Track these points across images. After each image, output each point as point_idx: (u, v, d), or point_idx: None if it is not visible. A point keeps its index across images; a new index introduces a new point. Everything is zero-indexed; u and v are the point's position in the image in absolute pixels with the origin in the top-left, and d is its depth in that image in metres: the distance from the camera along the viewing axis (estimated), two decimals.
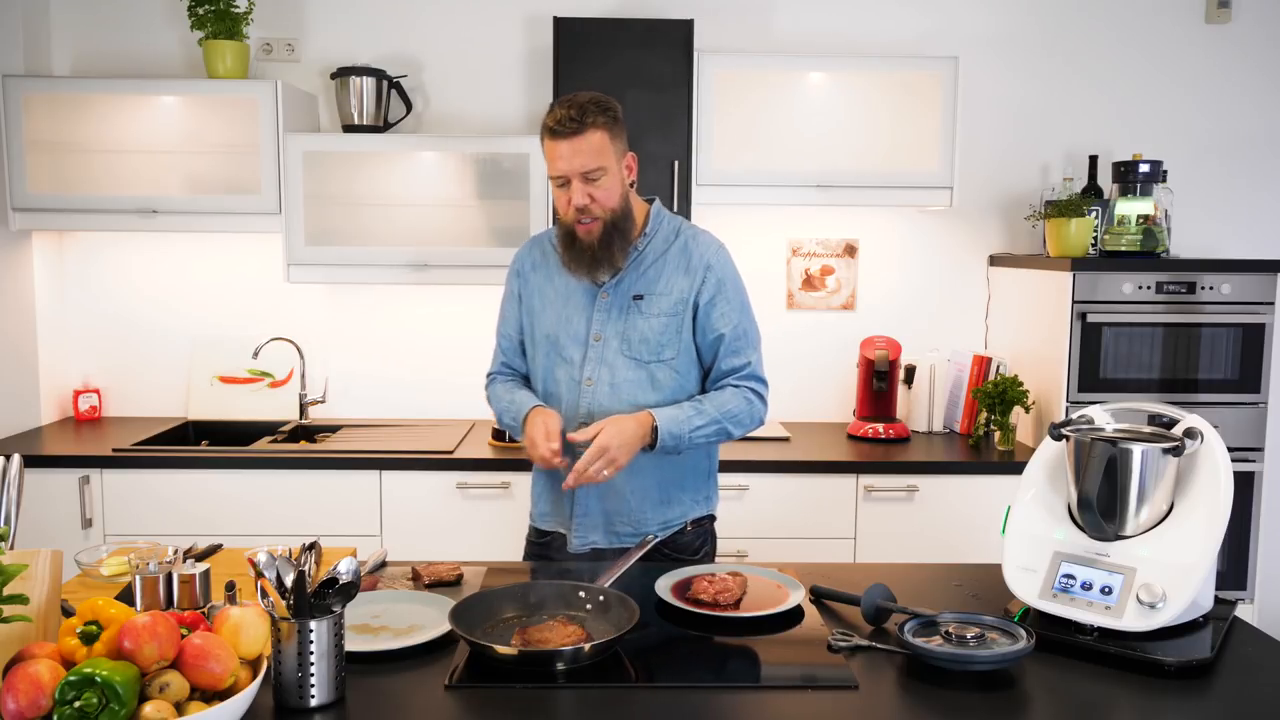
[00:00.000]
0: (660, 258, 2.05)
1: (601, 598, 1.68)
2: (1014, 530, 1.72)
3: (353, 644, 1.51)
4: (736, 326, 2.04)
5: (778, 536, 2.99)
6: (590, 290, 2.04)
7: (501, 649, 1.48)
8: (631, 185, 2.03)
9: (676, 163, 3.13)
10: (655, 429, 1.92)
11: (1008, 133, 3.53)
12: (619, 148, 1.98)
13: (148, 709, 1.20)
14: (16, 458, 1.75)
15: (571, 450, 1.95)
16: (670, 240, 2.07)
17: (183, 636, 1.28)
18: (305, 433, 3.37)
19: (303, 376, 3.49)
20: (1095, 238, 3.18)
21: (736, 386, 2.04)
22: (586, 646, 1.49)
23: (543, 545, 2.15)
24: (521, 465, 2.90)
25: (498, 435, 3.14)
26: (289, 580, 1.38)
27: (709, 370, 2.07)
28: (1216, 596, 1.68)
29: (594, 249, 1.97)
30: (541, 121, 1.97)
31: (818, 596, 1.79)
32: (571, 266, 2.03)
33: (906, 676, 1.48)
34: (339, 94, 3.30)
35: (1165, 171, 3.25)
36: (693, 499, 2.11)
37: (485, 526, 2.97)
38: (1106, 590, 1.58)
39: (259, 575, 1.45)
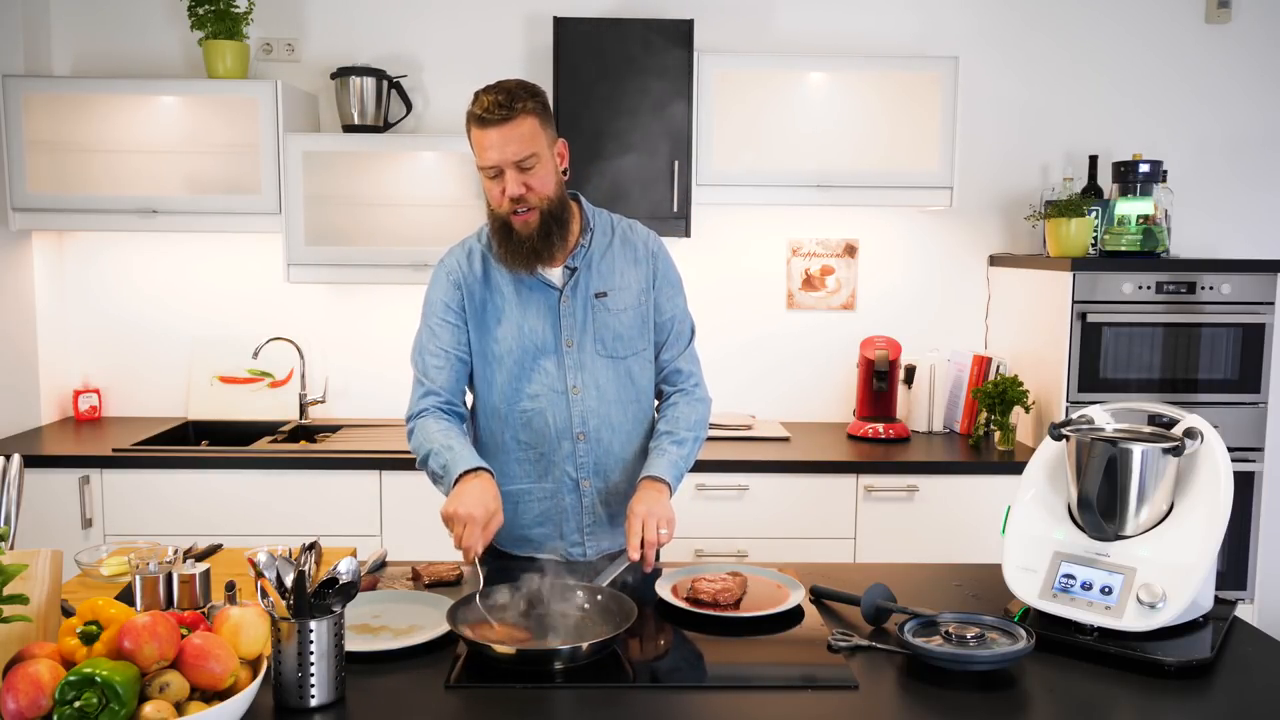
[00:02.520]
0: (607, 251, 2.00)
1: (599, 597, 1.68)
2: (1014, 530, 1.72)
3: (353, 644, 1.51)
4: (681, 309, 2.07)
5: (778, 536, 2.99)
6: (549, 297, 1.96)
7: (500, 648, 1.48)
8: (565, 174, 1.95)
9: (676, 163, 3.13)
10: (660, 479, 1.89)
11: (1008, 133, 3.53)
12: (550, 134, 1.89)
13: (148, 709, 1.20)
14: (16, 458, 1.75)
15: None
16: (609, 233, 2.02)
17: (183, 636, 1.28)
18: (305, 433, 3.37)
19: (303, 376, 3.49)
20: (1095, 238, 3.18)
21: (683, 391, 2.05)
22: (584, 646, 1.49)
23: (506, 565, 2.05)
24: None
25: None
26: (289, 580, 1.38)
27: (655, 354, 2.06)
28: (1216, 596, 1.68)
29: (533, 240, 1.88)
30: (466, 111, 1.86)
31: (818, 596, 1.79)
32: (508, 261, 1.92)
33: (906, 676, 1.48)
34: (339, 94, 3.30)
35: (1165, 171, 3.25)
36: None
37: None
38: (1106, 590, 1.58)
39: (259, 575, 1.45)
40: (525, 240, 1.89)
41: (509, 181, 1.84)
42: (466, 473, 1.80)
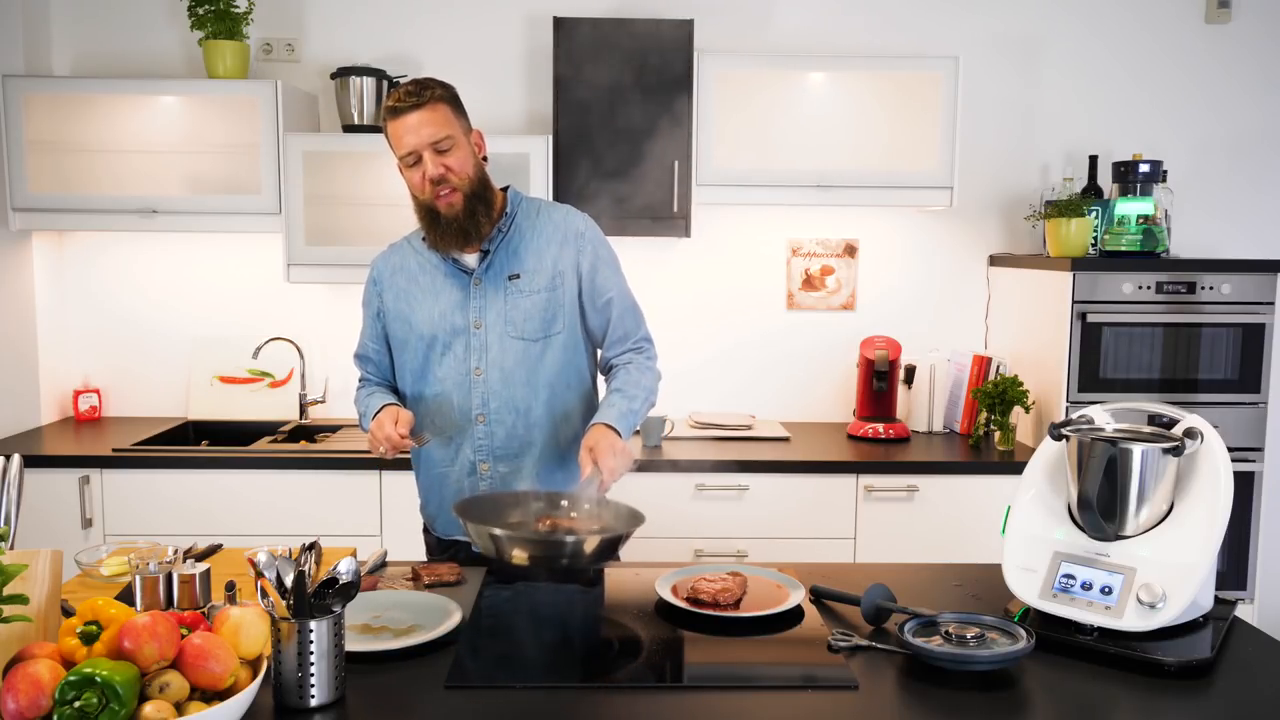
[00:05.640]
0: (527, 233, 2.02)
1: (587, 506, 1.81)
2: (1014, 530, 1.71)
3: (353, 644, 1.51)
4: (620, 288, 2.07)
5: (778, 536, 2.99)
6: (462, 280, 2.00)
7: (516, 554, 1.59)
8: (484, 160, 2.00)
9: (676, 163, 3.13)
10: (608, 425, 1.90)
11: (1008, 133, 3.53)
12: (464, 123, 1.95)
13: (148, 709, 1.20)
14: (16, 458, 1.75)
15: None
16: (533, 216, 2.05)
17: (183, 636, 1.28)
18: (305, 433, 3.37)
19: (303, 376, 3.49)
20: (1095, 238, 3.18)
21: (639, 356, 2.06)
22: (589, 538, 1.61)
23: (444, 558, 2.12)
24: None
25: None
26: (289, 580, 1.38)
27: (603, 337, 2.07)
28: (1216, 596, 1.68)
29: (459, 219, 1.92)
30: (381, 120, 1.95)
31: (818, 596, 1.79)
32: (439, 245, 1.97)
33: (906, 676, 1.48)
34: (339, 94, 3.30)
35: (1165, 171, 3.25)
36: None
37: None
38: (1106, 590, 1.58)
39: (259, 575, 1.45)
40: (452, 221, 1.93)
41: (428, 164, 1.90)
42: (377, 413, 1.97)
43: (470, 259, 2.01)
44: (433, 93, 1.89)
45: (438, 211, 1.93)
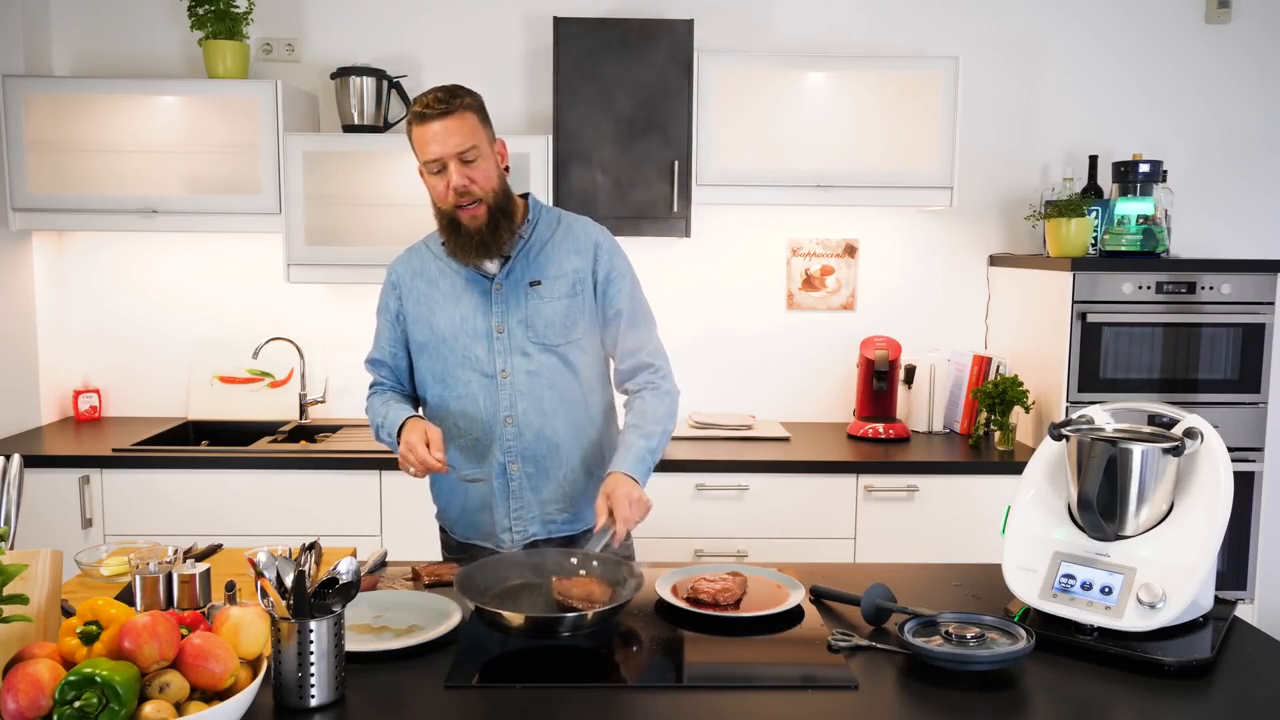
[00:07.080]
0: (548, 242, 2.04)
1: (595, 563, 1.75)
2: (1014, 530, 1.72)
3: (353, 644, 1.51)
4: (633, 300, 2.08)
5: (778, 536, 2.99)
6: (482, 285, 2.02)
7: (509, 615, 1.54)
8: (505, 170, 2.01)
9: (676, 163, 3.13)
10: (627, 475, 1.90)
11: (1008, 133, 3.53)
12: (489, 133, 1.97)
13: (148, 709, 1.20)
14: (16, 458, 1.75)
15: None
16: (554, 225, 2.07)
17: (183, 636, 1.28)
18: (305, 433, 3.37)
19: (303, 376, 3.49)
20: (1095, 238, 3.18)
21: (654, 377, 2.06)
22: (589, 614, 1.54)
23: (463, 558, 2.10)
24: None
25: None
26: (289, 580, 1.38)
27: (615, 347, 2.08)
28: (1216, 596, 1.68)
29: (481, 233, 1.94)
30: (405, 121, 1.97)
31: (818, 596, 1.79)
32: (459, 255, 1.98)
33: (906, 676, 1.48)
34: (339, 94, 3.30)
35: (1165, 171, 3.25)
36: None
37: None
38: (1106, 590, 1.58)
39: (259, 575, 1.45)
40: (475, 234, 1.94)
41: (453, 174, 1.91)
42: (400, 427, 1.95)
43: (491, 265, 2.02)
44: (461, 101, 1.91)
45: (460, 222, 1.94)
